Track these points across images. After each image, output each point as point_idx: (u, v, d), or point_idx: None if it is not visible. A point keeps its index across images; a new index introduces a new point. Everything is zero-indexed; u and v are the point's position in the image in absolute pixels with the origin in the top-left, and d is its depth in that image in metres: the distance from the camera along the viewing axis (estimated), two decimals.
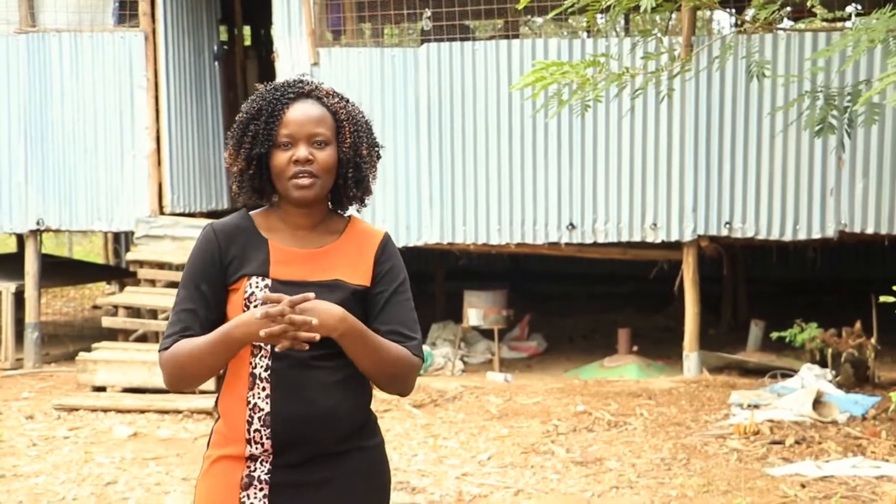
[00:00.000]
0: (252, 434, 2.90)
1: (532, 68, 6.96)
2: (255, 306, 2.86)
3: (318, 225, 3.03)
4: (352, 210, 3.10)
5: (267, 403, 2.89)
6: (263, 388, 2.90)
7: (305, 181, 2.91)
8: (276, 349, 2.78)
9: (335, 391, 2.91)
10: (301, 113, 2.93)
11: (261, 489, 2.91)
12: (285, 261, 2.95)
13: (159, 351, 2.96)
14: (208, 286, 2.95)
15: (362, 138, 3.02)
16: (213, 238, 2.98)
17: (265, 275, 2.93)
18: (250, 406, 2.90)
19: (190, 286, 2.96)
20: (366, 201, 3.08)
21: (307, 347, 2.75)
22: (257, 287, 2.91)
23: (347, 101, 3.05)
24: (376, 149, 3.07)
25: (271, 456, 2.91)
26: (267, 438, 2.89)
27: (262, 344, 2.87)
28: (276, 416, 2.88)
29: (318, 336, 2.74)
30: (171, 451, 8.12)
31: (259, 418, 2.89)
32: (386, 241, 3.08)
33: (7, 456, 8.06)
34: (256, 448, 2.91)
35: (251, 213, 3.05)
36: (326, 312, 2.78)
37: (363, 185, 3.04)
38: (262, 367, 2.90)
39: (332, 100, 3.00)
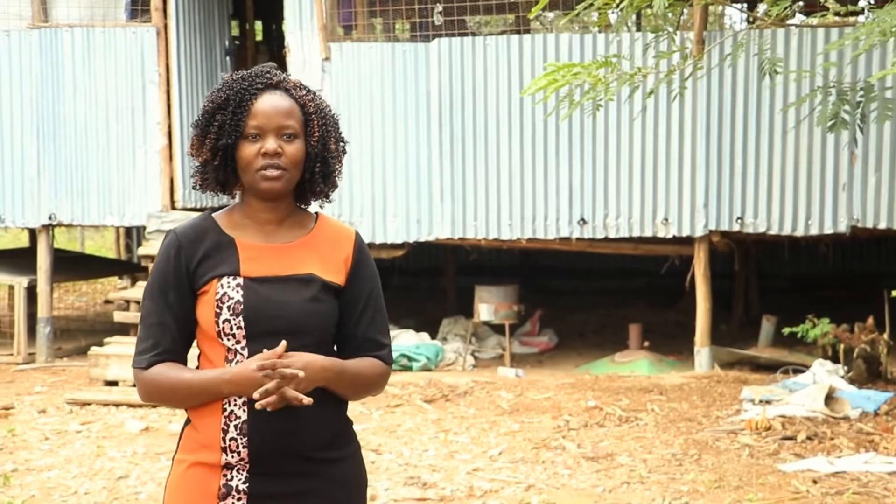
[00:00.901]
0: (228, 442, 2.82)
1: (543, 65, 6.95)
2: (228, 307, 2.82)
3: (285, 220, 2.94)
4: (315, 205, 3.03)
5: (244, 411, 2.80)
6: (240, 396, 2.80)
7: (274, 173, 2.82)
8: (269, 409, 2.73)
9: (314, 399, 2.82)
10: (269, 104, 2.84)
11: (239, 499, 2.83)
12: (255, 257, 2.87)
13: (133, 366, 2.90)
14: (175, 295, 2.86)
15: (330, 132, 2.93)
16: (177, 244, 2.88)
17: (236, 273, 2.85)
18: (226, 413, 2.82)
19: (156, 297, 2.88)
20: (331, 196, 3.00)
21: (307, 401, 2.73)
22: (229, 287, 2.83)
23: (315, 93, 2.95)
24: (343, 143, 2.99)
25: (248, 465, 2.83)
26: (243, 447, 2.81)
27: (238, 347, 2.83)
28: (254, 424, 2.79)
29: (308, 400, 2.74)
30: None
31: (235, 426, 2.81)
32: (360, 240, 3.03)
33: (20, 450, 8.08)
34: (232, 457, 2.82)
35: (213, 214, 2.97)
36: (311, 366, 2.77)
37: (330, 180, 2.95)
38: None
39: (300, 92, 2.91)
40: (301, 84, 2.94)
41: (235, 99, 2.84)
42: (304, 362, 2.75)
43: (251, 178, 2.85)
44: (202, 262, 2.87)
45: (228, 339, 2.84)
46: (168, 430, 8.65)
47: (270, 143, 2.82)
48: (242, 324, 2.82)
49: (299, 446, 2.83)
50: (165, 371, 2.85)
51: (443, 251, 14.77)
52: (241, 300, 2.82)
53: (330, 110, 2.96)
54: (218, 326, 2.83)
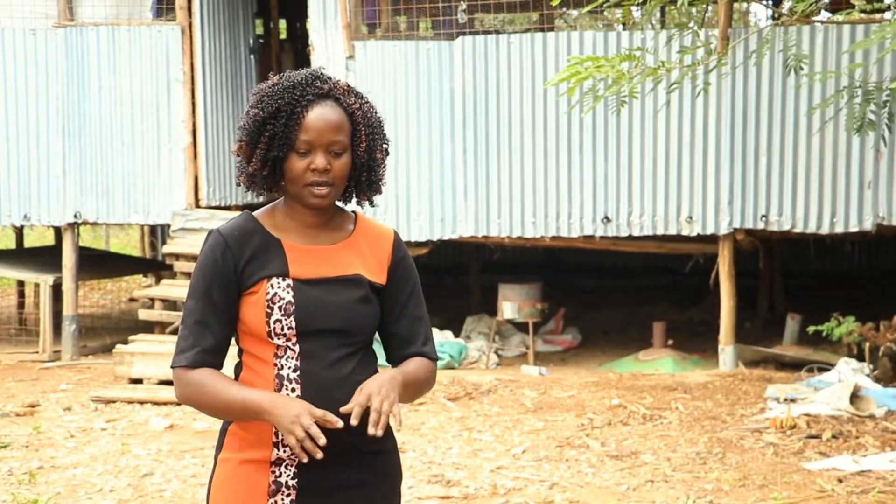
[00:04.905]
0: (280, 437, 2.84)
1: (567, 62, 6.94)
2: (279, 307, 2.84)
3: (329, 222, 2.97)
4: (353, 204, 3.04)
5: None
6: (293, 390, 2.84)
7: (322, 190, 2.84)
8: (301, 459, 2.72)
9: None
10: (321, 119, 2.83)
11: (288, 495, 2.86)
12: (302, 259, 2.90)
13: (173, 366, 2.90)
14: (221, 294, 2.87)
15: (377, 141, 2.94)
16: (223, 243, 2.89)
17: (285, 275, 2.87)
18: None
19: (200, 295, 2.88)
20: (374, 201, 3.02)
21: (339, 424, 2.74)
22: (279, 287, 2.85)
23: (363, 99, 2.95)
24: (387, 146, 3.00)
25: (297, 459, 2.82)
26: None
27: (289, 344, 2.86)
28: None
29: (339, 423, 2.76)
30: (207, 443, 8.16)
31: None
32: (398, 239, 3.06)
33: (45, 447, 8.12)
34: (284, 451, 2.85)
35: (255, 214, 2.98)
36: (384, 387, 2.79)
37: (375, 187, 2.98)
38: (289, 367, 2.86)
39: (349, 99, 2.90)
40: (349, 90, 2.93)
41: (287, 110, 2.83)
42: (379, 389, 2.78)
43: (299, 191, 2.87)
44: (250, 263, 2.88)
45: (279, 339, 2.87)
46: (193, 427, 8.68)
47: (320, 160, 2.83)
48: (294, 324, 2.84)
49: (350, 438, 2.85)
50: (210, 380, 2.85)
51: (466, 249, 14.77)
52: (293, 301, 2.85)
53: (376, 116, 2.97)
54: (269, 326, 2.86)
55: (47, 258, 13.33)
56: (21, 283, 14.82)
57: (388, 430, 2.99)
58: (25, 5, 12.27)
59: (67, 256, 12.32)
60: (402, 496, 3.10)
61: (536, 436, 8.28)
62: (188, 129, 11.98)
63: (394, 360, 3.04)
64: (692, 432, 8.26)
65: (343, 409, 2.76)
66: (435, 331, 11.65)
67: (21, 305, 14.78)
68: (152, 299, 11.60)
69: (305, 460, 2.68)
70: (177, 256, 11.62)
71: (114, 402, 9.62)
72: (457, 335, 12.02)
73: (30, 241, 18.36)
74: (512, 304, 11.76)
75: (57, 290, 12.36)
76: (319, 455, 2.67)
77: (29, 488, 7.04)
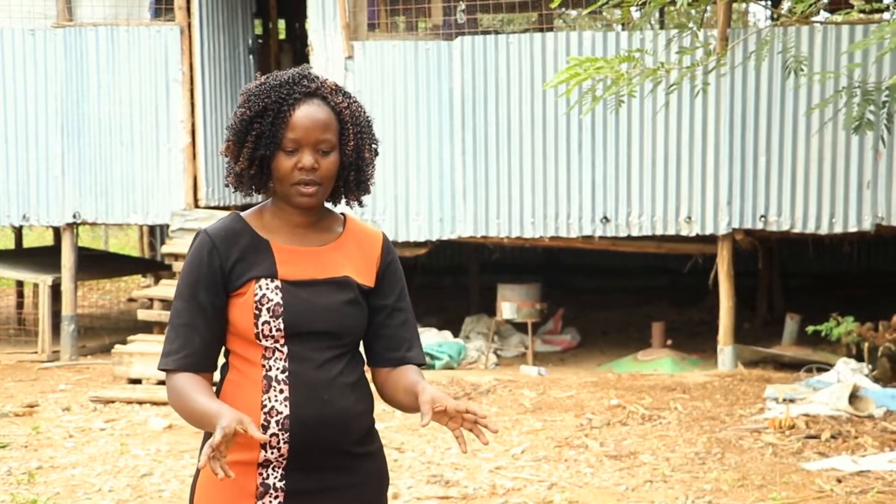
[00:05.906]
0: (268, 438, 2.83)
1: (566, 63, 6.93)
2: (268, 309, 2.83)
3: (317, 223, 2.96)
4: (342, 206, 3.03)
5: (286, 406, 2.82)
6: (281, 391, 2.83)
7: (309, 189, 2.83)
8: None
9: (349, 393, 2.89)
10: (308, 117, 2.82)
11: (275, 497, 2.85)
12: (290, 260, 2.89)
13: (160, 367, 2.89)
14: (208, 295, 2.86)
15: (365, 140, 2.93)
16: (210, 244, 2.88)
17: (273, 276, 2.86)
18: (266, 410, 2.83)
19: (187, 297, 2.87)
20: (363, 201, 3.00)
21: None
22: (267, 289, 2.84)
23: (350, 98, 2.94)
24: (375, 146, 2.98)
25: (285, 461, 2.85)
26: (284, 443, 2.83)
27: (277, 346, 2.85)
28: (296, 418, 2.82)
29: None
30: None
31: (277, 422, 2.82)
32: (387, 241, 3.05)
33: (44, 447, 8.12)
34: (272, 453, 2.84)
35: (242, 215, 2.97)
36: (444, 397, 2.80)
37: (364, 186, 2.96)
38: (278, 369, 2.84)
39: (337, 98, 2.89)
40: (337, 88, 2.92)
41: (274, 108, 2.82)
42: (444, 396, 2.80)
43: (286, 190, 2.86)
44: (237, 263, 2.87)
45: (267, 340, 2.86)
46: (191, 428, 8.65)
47: (307, 159, 2.82)
48: (282, 326, 2.84)
49: (338, 440, 2.86)
50: (185, 388, 2.83)
51: (465, 249, 14.77)
52: (281, 302, 2.84)
53: (365, 115, 2.95)
54: (257, 328, 2.85)
55: (46, 258, 13.33)
56: (20, 284, 14.82)
57: (373, 432, 3.01)
58: (24, 5, 12.27)
59: (66, 256, 12.32)
60: (388, 500, 3.10)
61: (535, 436, 8.28)
62: (187, 129, 11.98)
63: (379, 360, 3.02)
64: (691, 432, 8.26)
65: (424, 424, 2.75)
66: (434, 331, 11.68)
67: (20, 305, 14.77)
68: (151, 299, 11.59)
69: (201, 464, 2.59)
70: (176, 256, 11.60)
71: (113, 402, 9.62)
72: (456, 335, 12.01)
73: (29, 242, 18.36)
74: (511, 304, 11.76)
75: (56, 290, 12.36)
76: (201, 461, 2.58)
77: (28, 488, 7.04)
